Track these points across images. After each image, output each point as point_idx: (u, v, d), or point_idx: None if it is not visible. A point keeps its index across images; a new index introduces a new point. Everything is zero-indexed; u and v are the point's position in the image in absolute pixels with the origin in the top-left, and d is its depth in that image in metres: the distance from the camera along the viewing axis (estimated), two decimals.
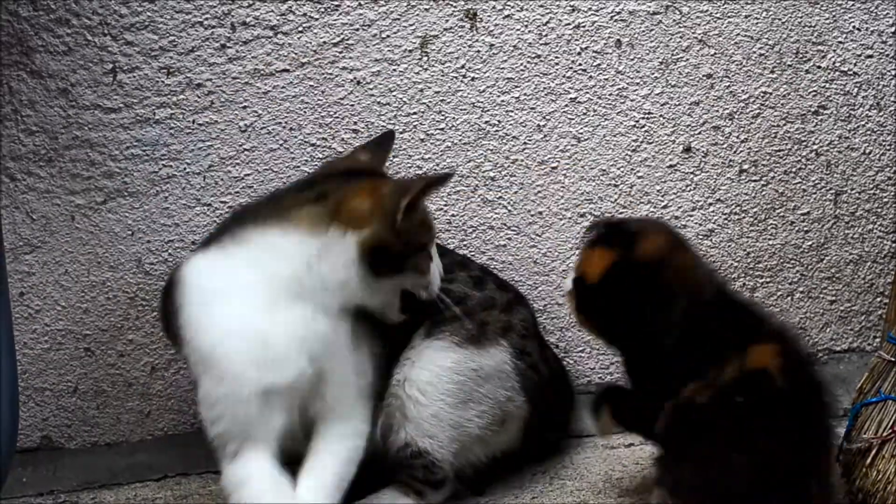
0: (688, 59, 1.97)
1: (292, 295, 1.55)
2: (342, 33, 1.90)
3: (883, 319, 1.98)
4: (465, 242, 1.98)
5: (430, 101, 1.94)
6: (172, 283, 1.62)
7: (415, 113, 1.94)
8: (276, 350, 1.54)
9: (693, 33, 1.97)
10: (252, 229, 1.59)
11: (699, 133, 2.00)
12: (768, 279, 2.07)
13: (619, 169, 2.00)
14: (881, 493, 1.66)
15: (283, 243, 1.56)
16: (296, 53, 1.90)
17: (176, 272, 1.63)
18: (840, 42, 2.00)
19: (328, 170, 1.72)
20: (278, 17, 1.88)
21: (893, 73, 2.02)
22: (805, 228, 2.06)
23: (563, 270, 2.00)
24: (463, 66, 1.94)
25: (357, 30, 1.90)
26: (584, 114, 1.97)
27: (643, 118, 1.98)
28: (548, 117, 1.97)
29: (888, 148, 2.05)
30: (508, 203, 1.99)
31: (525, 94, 1.96)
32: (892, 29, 2.00)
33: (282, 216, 1.58)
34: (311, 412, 1.61)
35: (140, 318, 1.95)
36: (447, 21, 1.92)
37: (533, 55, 1.95)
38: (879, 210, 2.07)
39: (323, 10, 1.89)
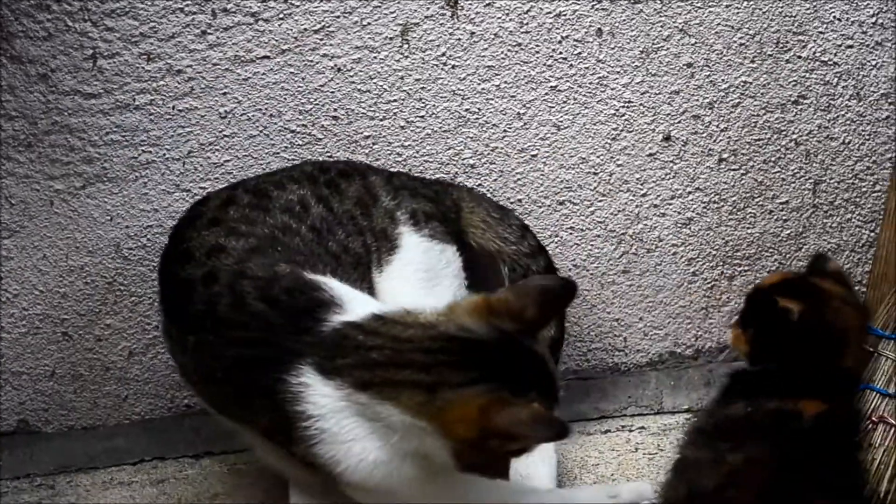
0: (668, 49, 1.97)
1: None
2: (323, 20, 1.90)
3: None
4: None
5: (410, 89, 1.94)
6: None
7: (395, 100, 1.94)
8: None
9: (673, 22, 1.96)
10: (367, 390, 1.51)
11: (679, 122, 2.00)
12: (746, 268, 2.07)
13: (598, 157, 2.00)
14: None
15: (386, 413, 1.50)
16: (276, 40, 1.90)
17: None
18: (820, 32, 2.00)
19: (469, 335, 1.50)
20: (259, 4, 1.88)
21: (873, 63, 2.02)
22: (784, 217, 2.06)
23: None
24: (443, 54, 1.94)
25: (338, 17, 1.90)
26: (565, 102, 1.97)
27: (623, 107, 1.99)
28: (528, 105, 1.97)
29: (867, 138, 2.05)
30: (488, 190, 1.99)
31: (505, 83, 1.96)
32: (873, 20, 2.00)
33: (394, 388, 1.49)
34: None
35: (118, 303, 1.95)
36: (428, 8, 1.92)
37: (513, 43, 1.95)
38: (858, 200, 2.07)
39: None
